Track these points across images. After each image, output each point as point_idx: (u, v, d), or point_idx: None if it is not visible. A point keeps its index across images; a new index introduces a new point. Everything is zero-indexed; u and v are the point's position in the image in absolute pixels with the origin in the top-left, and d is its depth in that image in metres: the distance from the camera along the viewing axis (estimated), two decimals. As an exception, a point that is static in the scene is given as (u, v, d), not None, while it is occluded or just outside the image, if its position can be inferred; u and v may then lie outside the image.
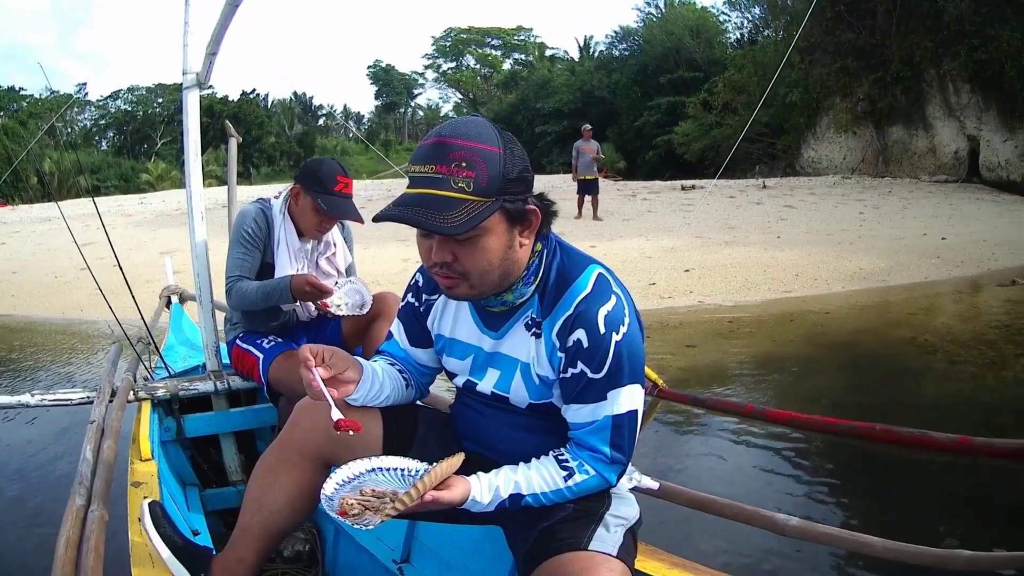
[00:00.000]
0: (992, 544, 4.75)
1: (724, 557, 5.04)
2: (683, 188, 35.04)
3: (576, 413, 2.88)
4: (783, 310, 13.85)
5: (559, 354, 2.85)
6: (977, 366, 10.11)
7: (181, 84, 5.73)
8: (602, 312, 2.76)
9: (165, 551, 3.17)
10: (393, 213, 2.64)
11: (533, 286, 2.93)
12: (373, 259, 17.90)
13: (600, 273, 2.86)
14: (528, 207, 2.78)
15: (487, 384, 3.12)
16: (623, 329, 2.79)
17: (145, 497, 3.49)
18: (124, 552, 3.33)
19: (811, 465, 6.95)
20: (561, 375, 2.87)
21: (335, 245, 5.72)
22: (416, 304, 3.31)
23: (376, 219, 2.74)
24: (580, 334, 2.77)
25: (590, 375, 2.79)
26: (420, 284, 3.31)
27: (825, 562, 5.05)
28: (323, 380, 2.87)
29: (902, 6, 38.82)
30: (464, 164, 2.59)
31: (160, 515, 3.31)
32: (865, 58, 41.20)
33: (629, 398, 2.84)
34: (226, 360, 5.82)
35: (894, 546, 3.51)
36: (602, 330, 2.75)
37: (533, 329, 2.95)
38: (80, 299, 16.62)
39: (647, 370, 7.25)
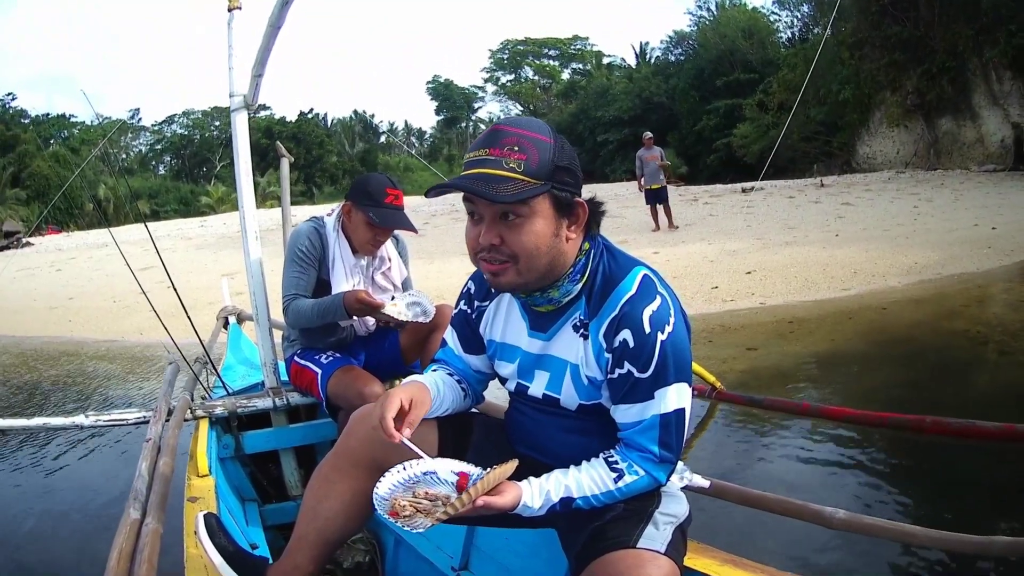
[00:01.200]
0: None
1: (773, 552, 5.10)
2: (743, 191, 35.08)
3: (624, 413, 2.95)
4: (842, 308, 13.77)
5: (606, 355, 2.92)
6: None
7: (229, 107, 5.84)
8: (647, 312, 2.83)
9: (218, 559, 3.30)
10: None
11: (579, 284, 3.02)
12: (438, 273, 17.91)
13: (645, 275, 2.94)
14: (576, 200, 2.91)
15: (538, 387, 3.19)
16: (668, 329, 2.84)
17: (201, 511, 3.59)
18: (180, 565, 3.47)
19: (865, 459, 6.98)
20: (608, 376, 2.94)
21: (390, 260, 5.84)
22: (468, 311, 3.43)
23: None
24: (626, 334, 2.85)
25: (637, 375, 2.85)
26: (472, 291, 3.44)
27: (871, 553, 5.08)
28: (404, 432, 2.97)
29: None
30: (516, 148, 2.76)
31: (215, 525, 3.46)
32: (912, 51, 40.90)
33: (676, 396, 2.90)
34: (285, 377, 5.94)
35: (936, 534, 3.56)
36: (647, 330, 2.82)
37: (581, 330, 3.02)
38: (139, 322, 17.09)
39: (705, 373, 8.07)
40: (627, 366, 2.86)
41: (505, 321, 3.31)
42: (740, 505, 4.36)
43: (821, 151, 50.18)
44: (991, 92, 38.46)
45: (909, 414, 6.66)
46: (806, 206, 29.35)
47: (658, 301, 2.87)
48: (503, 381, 3.41)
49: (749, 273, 17.36)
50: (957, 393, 8.67)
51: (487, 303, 3.37)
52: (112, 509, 4.36)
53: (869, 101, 45.70)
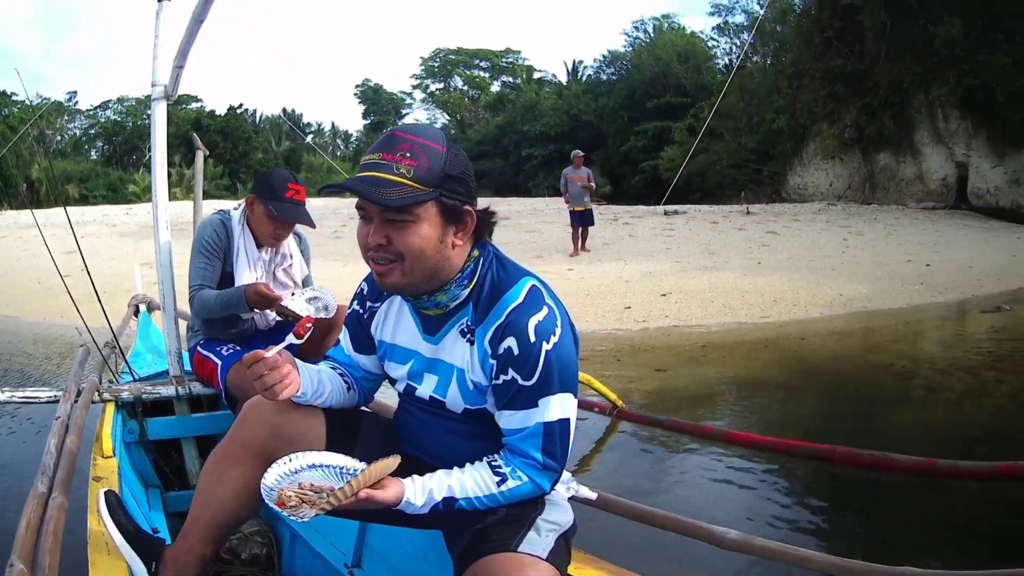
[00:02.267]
0: (952, 565, 4.62)
1: (664, 569, 5.11)
2: (666, 213, 34.81)
3: (508, 419, 3.00)
4: (759, 336, 13.89)
5: (491, 361, 2.97)
6: (956, 393, 10.13)
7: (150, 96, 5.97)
8: (532, 321, 2.89)
9: (118, 536, 3.33)
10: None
11: (467, 290, 3.07)
12: (351, 276, 17.62)
13: (533, 285, 3.01)
14: (465, 208, 2.95)
15: (425, 389, 3.25)
16: (554, 339, 2.90)
17: (102, 489, 3.60)
18: (84, 542, 3.50)
19: (771, 486, 6.95)
20: (493, 381, 2.99)
21: (291, 257, 5.99)
22: (360, 311, 3.49)
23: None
24: (511, 342, 2.90)
25: (521, 382, 2.90)
26: (365, 292, 3.49)
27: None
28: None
29: (892, 32, 38.86)
30: (409, 154, 2.83)
31: (115, 504, 3.48)
32: (853, 84, 41.27)
33: (560, 406, 2.94)
34: (189, 367, 6.01)
35: (839, 561, 3.53)
36: (532, 339, 2.87)
37: (467, 336, 3.08)
38: (63, 304, 16.63)
39: (607, 391, 8.40)
40: (511, 373, 2.93)
41: (396, 323, 3.39)
42: (634, 521, 4.38)
43: (750, 179, 50.22)
44: (936, 130, 38.85)
45: (821, 443, 6.85)
46: (729, 232, 29.73)
47: (544, 311, 2.95)
48: (392, 382, 3.49)
49: (664, 295, 17.45)
50: (876, 426, 8.70)
51: (379, 304, 3.45)
52: (25, 483, 4.23)
53: (804, 132, 45.85)
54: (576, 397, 3.04)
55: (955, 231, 29.73)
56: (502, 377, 2.95)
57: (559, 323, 2.96)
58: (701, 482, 7.08)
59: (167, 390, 5.73)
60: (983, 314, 15.61)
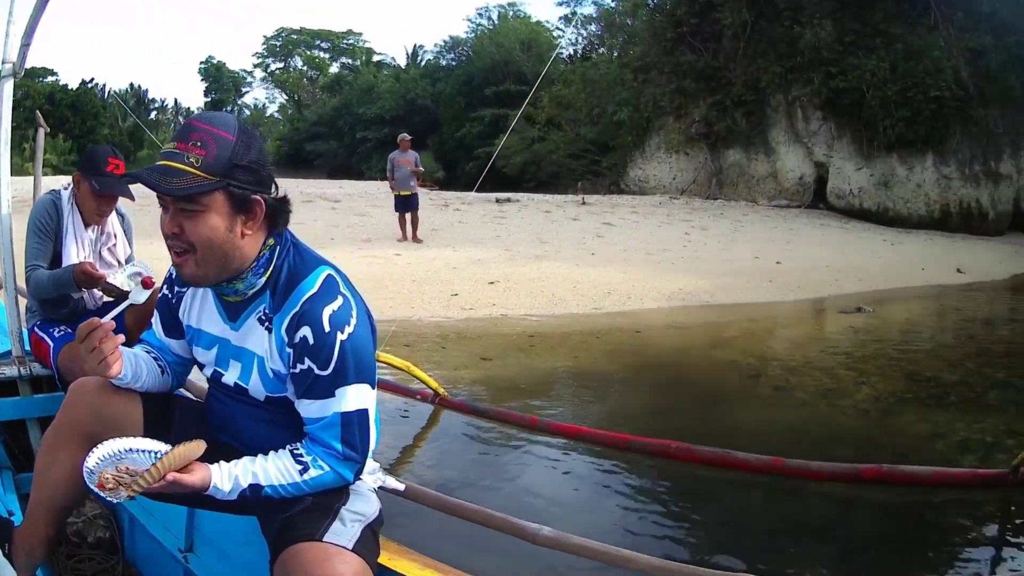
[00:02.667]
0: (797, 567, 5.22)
1: (477, 562, 4.46)
2: (497, 201, 34.42)
3: (307, 408, 2.98)
4: (591, 327, 13.73)
5: (288, 349, 2.97)
6: (809, 393, 9.95)
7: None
8: (327, 311, 2.90)
9: None
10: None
11: (263, 279, 3.07)
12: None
13: (329, 275, 3.02)
14: (254, 197, 2.91)
15: (231, 376, 3.22)
16: (349, 329, 2.92)
17: None
18: None
19: (600, 482, 6.77)
20: (291, 370, 2.99)
21: (115, 237, 6.00)
22: (168, 295, 3.43)
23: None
24: (306, 331, 2.90)
25: (317, 371, 2.90)
26: (173, 276, 3.39)
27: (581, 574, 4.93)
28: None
29: (752, 31, 39.53)
30: (199, 143, 2.79)
31: None
32: (705, 80, 41.72)
33: (356, 396, 2.95)
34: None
35: (660, 563, 3.58)
36: (327, 328, 2.88)
37: (265, 323, 3.07)
38: None
39: (428, 379, 8.39)
40: (307, 362, 2.92)
41: (200, 308, 3.34)
42: (445, 514, 4.50)
43: (588, 169, 50.41)
44: (794, 129, 39.69)
45: (654, 438, 6.80)
46: (563, 222, 29.30)
47: (339, 301, 2.96)
48: (200, 367, 3.46)
49: (492, 283, 17.20)
50: (716, 423, 8.66)
51: (185, 289, 3.38)
52: None
53: (648, 125, 45.92)
54: (374, 388, 3.05)
55: (811, 230, 30.56)
56: (299, 366, 2.94)
57: (354, 313, 2.97)
58: (525, 474, 6.97)
59: (10, 370, 5.62)
60: (841, 314, 15.76)
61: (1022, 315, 18.66)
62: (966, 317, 17.33)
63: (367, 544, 2.94)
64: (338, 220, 25.62)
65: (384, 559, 3.13)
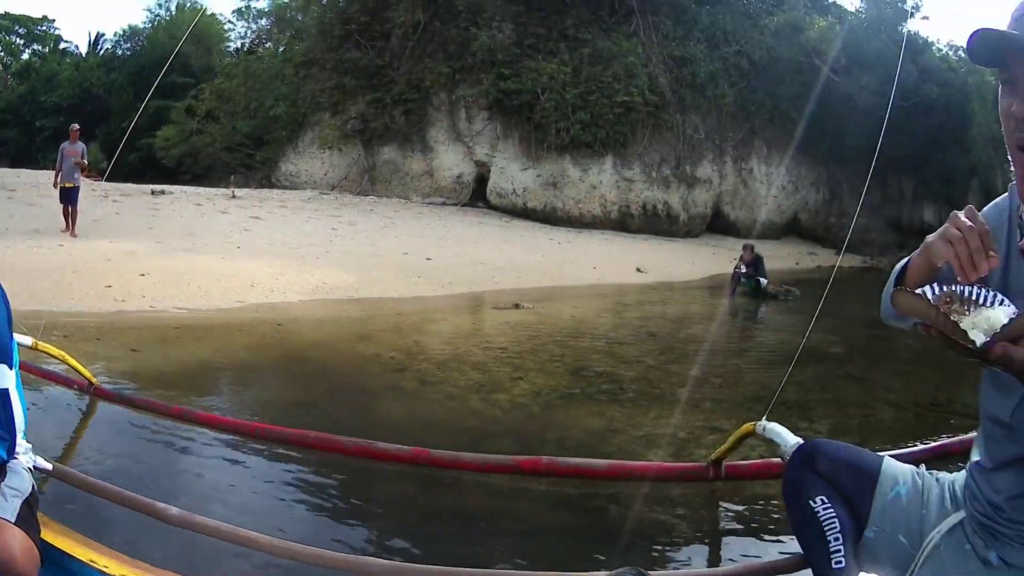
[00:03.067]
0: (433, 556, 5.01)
1: (124, 539, 4.59)
2: (152, 193, 34.14)
3: None
4: (234, 319, 13.99)
5: None
6: (458, 387, 10.10)
7: None
8: None
9: None
10: None
11: None
12: None
13: None
14: None
15: None
16: None
17: None
18: None
19: (241, 469, 6.78)
20: None
21: None
22: None
23: None
24: None
25: None
26: None
27: (213, 552, 4.79)
28: None
29: (424, 31, 39.93)
30: None
31: None
32: (367, 78, 42.14)
33: None
34: None
35: (286, 545, 3.79)
36: None
37: None
38: None
39: (82, 368, 8.06)
40: None
41: None
42: (94, 495, 4.54)
43: (242, 163, 50.28)
44: (456, 129, 40.18)
45: (294, 428, 6.80)
46: (213, 215, 29.73)
47: None
48: None
49: (143, 275, 17.00)
50: (364, 415, 8.72)
51: None
52: None
53: (303, 120, 46.43)
54: (12, 368, 3.10)
55: (466, 228, 30.88)
56: None
57: None
58: (169, 460, 6.93)
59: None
60: (496, 310, 16.07)
61: (712, 315, 19.47)
62: (645, 316, 18.05)
63: (27, 519, 3.04)
64: (13, 210, 25.07)
65: (45, 535, 3.20)
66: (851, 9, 49.72)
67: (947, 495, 3.06)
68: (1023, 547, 2.67)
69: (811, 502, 3.08)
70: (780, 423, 4.58)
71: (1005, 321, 2.11)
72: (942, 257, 2.32)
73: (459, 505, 6.30)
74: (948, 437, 7.09)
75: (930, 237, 2.41)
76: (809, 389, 11.08)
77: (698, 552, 5.71)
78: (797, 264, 34.20)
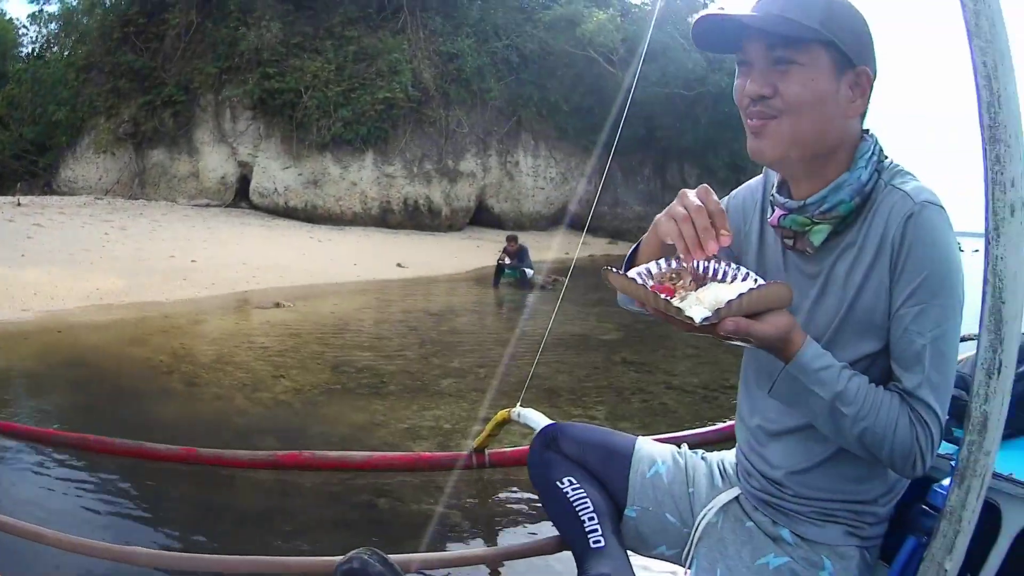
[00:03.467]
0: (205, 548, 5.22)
1: None
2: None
3: None
4: (19, 329, 13.56)
5: None
6: (224, 387, 10.09)
7: None
8: None
9: None
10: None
11: None
12: None
13: None
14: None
15: None
16: None
17: None
18: None
19: (24, 472, 6.70)
20: None
21: None
22: None
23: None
24: None
25: None
26: None
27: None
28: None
29: (196, 32, 39.64)
30: None
31: None
32: (140, 80, 41.65)
33: None
34: None
35: (66, 539, 3.76)
36: None
37: None
38: None
39: None
40: None
41: None
42: None
43: (27, 170, 48.74)
44: (220, 129, 40.09)
45: (74, 432, 6.91)
46: (1, 223, 28.14)
47: None
48: None
49: None
50: (138, 417, 8.59)
51: None
52: None
53: (82, 125, 45.46)
54: None
55: (230, 228, 30.83)
56: None
57: None
58: None
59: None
60: (259, 310, 16.08)
61: (475, 307, 19.76)
62: (407, 310, 18.18)
63: None
64: None
65: None
66: (636, 2, 50.51)
67: (716, 473, 3.12)
68: (820, 523, 2.74)
69: (558, 483, 3.10)
70: (554, 411, 4.59)
71: (732, 297, 2.12)
72: (668, 235, 2.34)
73: (229, 500, 6.39)
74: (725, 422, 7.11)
75: (660, 215, 2.43)
76: (584, 376, 11.36)
77: (462, 536, 5.84)
78: (567, 254, 33.97)
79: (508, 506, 6.49)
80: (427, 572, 4.90)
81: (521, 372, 10.45)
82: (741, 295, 2.13)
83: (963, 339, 2.87)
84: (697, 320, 2.09)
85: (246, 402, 9.42)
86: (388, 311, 17.97)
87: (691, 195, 2.34)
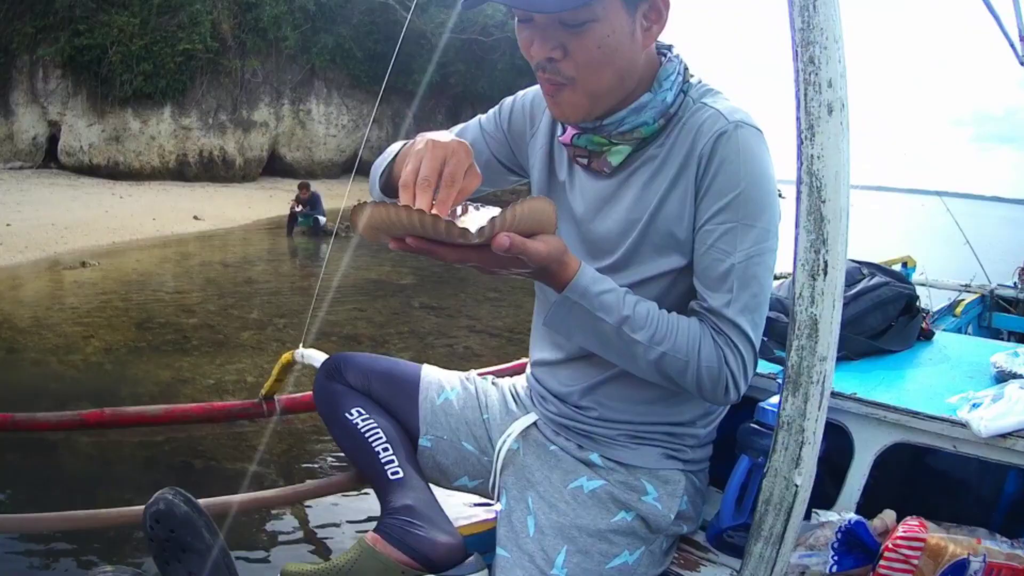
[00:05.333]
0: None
1: None
2: None
3: None
4: None
5: None
6: (40, 352, 9.89)
7: None
8: None
9: None
10: None
11: None
12: None
13: None
14: None
15: None
16: None
17: None
18: None
19: None
20: None
21: None
22: None
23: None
24: None
25: None
26: None
27: None
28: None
29: None
30: None
31: None
32: None
33: None
34: None
35: None
36: None
37: None
38: None
39: None
40: None
41: None
42: None
43: None
44: (34, 90, 38.47)
45: None
46: None
47: None
48: None
49: None
50: None
51: None
52: None
53: None
54: None
55: (41, 190, 29.77)
56: None
57: None
58: None
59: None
60: (67, 271, 15.60)
61: (271, 256, 19.58)
62: (204, 262, 17.84)
63: None
64: None
65: None
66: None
67: (509, 397, 2.99)
68: (633, 446, 2.62)
69: (347, 415, 2.91)
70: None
71: (495, 214, 1.96)
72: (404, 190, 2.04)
73: (47, 465, 6.46)
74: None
75: (412, 151, 2.08)
76: (384, 323, 11.61)
77: (273, 483, 5.99)
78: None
79: (309, 448, 6.75)
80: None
81: (322, 321, 10.75)
82: (512, 206, 1.95)
83: (777, 277, 2.83)
84: (473, 229, 1.90)
85: (60, 366, 9.28)
86: (187, 264, 17.60)
87: (426, 163, 2.03)
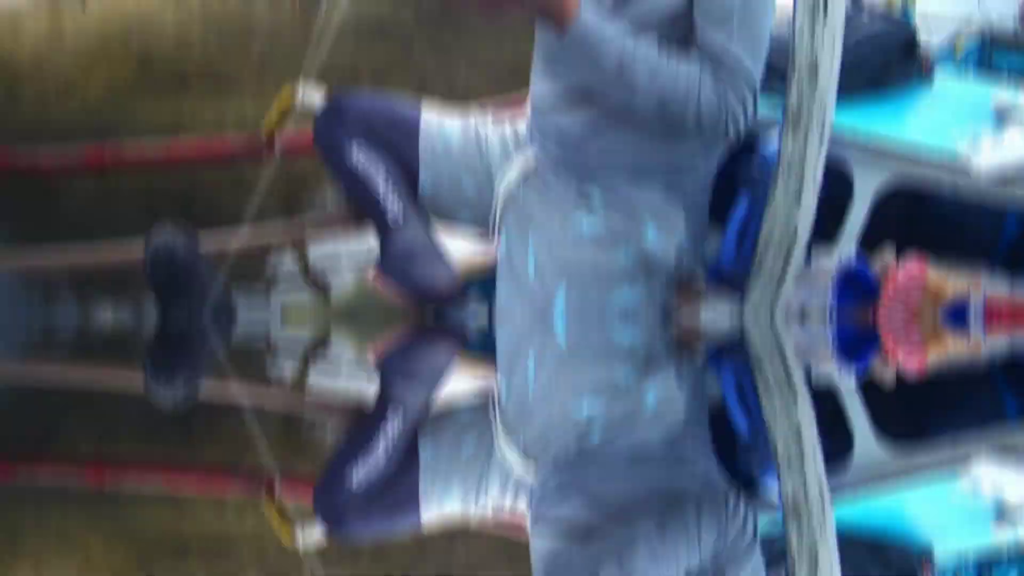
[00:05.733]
0: None
1: None
2: None
3: None
4: None
5: None
6: (39, 91, 9.31)
7: None
8: None
9: None
10: None
11: None
12: None
13: None
14: None
15: None
16: None
17: None
18: None
19: None
20: None
21: None
22: None
23: None
24: None
25: None
26: None
27: None
28: None
29: None
30: None
31: None
32: None
33: None
34: None
35: None
36: None
37: None
38: None
39: None
40: None
41: None
42: None
43: None
44: None
45: None
46: None
47: None
48: None
49: None
50: None
51: None
52: None
53: None
54: None
55: None
56: None
57: None
58: None
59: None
60: (67, 10, 15.01)
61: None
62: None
63: None
64: None
65: None
66: None
67: (509, 139, 3.01)
68: (633, 181, 2.64)
69: (347, 156, 3.06)
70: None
71: None
72: None
73: (46, 208, 5.87)
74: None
75: None
76: (384, 60, 11.02)
77: (262, 218, 5.68)
78: None
79: (310, 188, 6.37)
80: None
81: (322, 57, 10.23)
82: None
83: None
84: None
85: (60, 106, 8.94)
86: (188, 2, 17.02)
87: None
